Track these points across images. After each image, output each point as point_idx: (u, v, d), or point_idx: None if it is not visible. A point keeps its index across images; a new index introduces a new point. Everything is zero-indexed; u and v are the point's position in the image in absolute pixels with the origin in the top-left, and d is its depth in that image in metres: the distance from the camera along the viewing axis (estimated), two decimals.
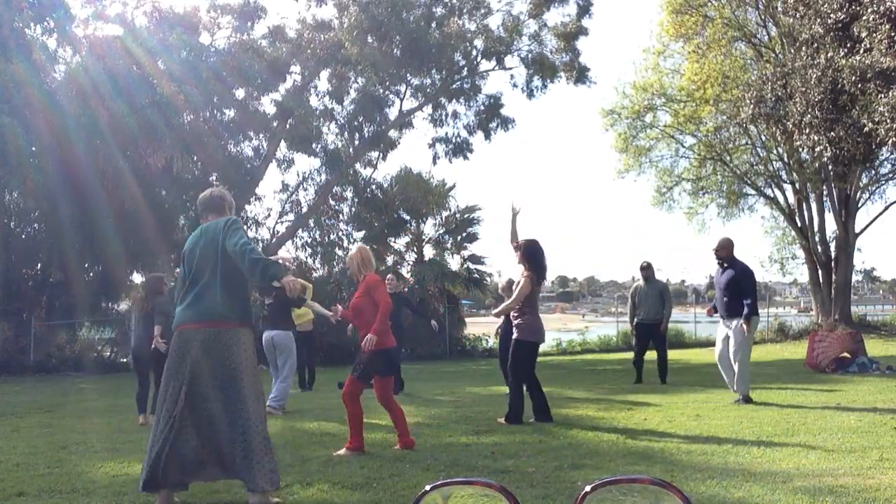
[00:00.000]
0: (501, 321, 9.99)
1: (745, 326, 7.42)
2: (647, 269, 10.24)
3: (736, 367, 7.52)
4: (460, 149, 22.41)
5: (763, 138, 21.75)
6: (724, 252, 7.82)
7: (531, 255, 6.73)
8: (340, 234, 22.63)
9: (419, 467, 4.72)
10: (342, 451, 5.28)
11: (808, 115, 13.98)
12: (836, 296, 20.87)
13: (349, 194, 22.82)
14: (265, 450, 3.88)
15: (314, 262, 21.86)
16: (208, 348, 3.95)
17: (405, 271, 21.71)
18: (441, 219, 22.39)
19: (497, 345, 10.18)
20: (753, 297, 7.60)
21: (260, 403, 4.03)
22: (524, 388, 6.73)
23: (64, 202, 15.55)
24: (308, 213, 22.16)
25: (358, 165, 22.41)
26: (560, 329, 29.49)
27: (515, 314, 6.74)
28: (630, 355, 10.28)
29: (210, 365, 3.94)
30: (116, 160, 15.96)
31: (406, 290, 20.14)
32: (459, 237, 21.85)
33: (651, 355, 10.31)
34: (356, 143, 21.74)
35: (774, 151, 22.09)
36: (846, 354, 11.22)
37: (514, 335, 6.71)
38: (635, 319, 10.31)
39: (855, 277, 31.85)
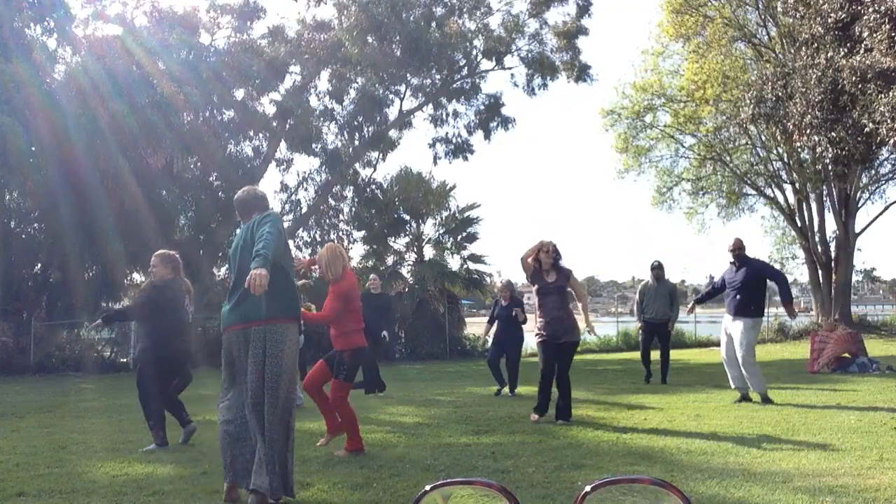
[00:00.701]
0: (491, 324, 9.95)
1: (792, 310, 7.94)
2: (658, 269, 10.22)
3: (745, 371, 7.51)
4: (460, 149, 22.45)
5: (763, 138, 21.76)
6: (743, 251, 7.87)
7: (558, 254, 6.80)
8: (340, 234, 22.66)
9: (419, 467, 4.72)
10: (341, 452, 5.28)
11: (809, 116, 13.97)
12: (836, 296, 20.88)
13: (349, 194, 22.85)
14: (280, 452, 3.86)
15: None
16: (254, 348, 3.93)
17: (405, 271, 21.71)
18: (441, 219, 22.38)
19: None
20: (785, 279, 7.98)
21: (290, 404, 3.99)
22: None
23: (64, 202, 15.54)
24: (308, 213, 22.18)
25: (358, 165, 22.43)
26: None
27: (566, 314, 6.64)
28: (630, 355, 10.29)
29: (256, 364, 3.92)
30: (116, 160, 15.96)
31: (405, 289, 20.14)
32: (459, 237, 21.82)
33: (654, 354, 10.33)
34: (356, 143, 21.75)
35: (774, 151, 22.11)
36: (846, 354, 11.22)
37: (572, 337, 6.64)
38: (643, 317, 10.32)
39: (855, 277, 31.86)
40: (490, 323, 10.08)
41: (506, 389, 9.32)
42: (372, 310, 9.27)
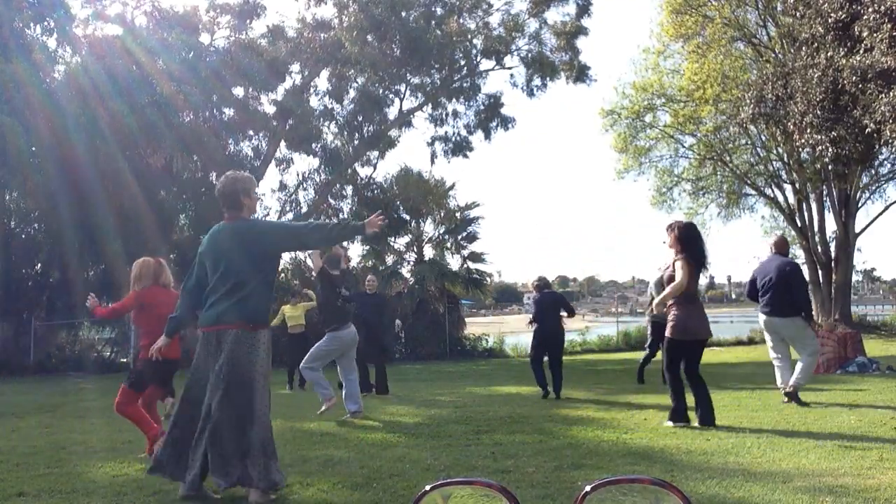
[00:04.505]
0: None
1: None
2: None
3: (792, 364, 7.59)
4: (460, 147, 22.44)
5: (763, 138, 21.76)
6: None
7: (687, 238, 6.20)
8: None
9: (419, 467, 4.71)
10: (143, 455, 5.25)
11: (809, 115, 13.97)
12: (836, 296, 20.88)
13: (349, 193, 22.87)
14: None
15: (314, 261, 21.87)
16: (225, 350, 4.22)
17: (405, 271, 21.72)
18: (441, 218, 22.38)
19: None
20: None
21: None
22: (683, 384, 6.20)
23: (64, 202, 15.54)
24: (308, 212, 22.17)
25: (357, 165, 22.44)
26: None
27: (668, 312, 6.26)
28: (630, 355, 10.23)
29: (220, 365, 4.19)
30: (116, 160, 15.96)
31: (405, 289, 20.12)
32: (459, 237, 21.83)
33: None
34: (356, 142, 21.75)
35: (774, 151, 22.10)
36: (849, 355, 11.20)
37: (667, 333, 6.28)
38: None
39: (855, 277, 31.86)
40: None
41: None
42: (369, 309, 9.27)
